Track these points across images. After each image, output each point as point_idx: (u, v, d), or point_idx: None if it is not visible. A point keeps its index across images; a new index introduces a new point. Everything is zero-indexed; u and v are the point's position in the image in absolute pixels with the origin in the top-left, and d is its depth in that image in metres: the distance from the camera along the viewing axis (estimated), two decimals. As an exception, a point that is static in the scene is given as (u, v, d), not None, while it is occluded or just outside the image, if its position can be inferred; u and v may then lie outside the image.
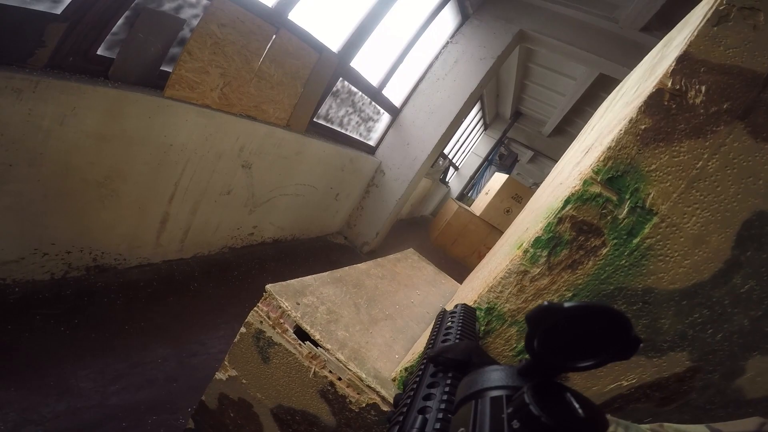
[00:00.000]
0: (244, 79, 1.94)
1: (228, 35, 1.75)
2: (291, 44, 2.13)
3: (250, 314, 0.86)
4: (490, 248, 5.00)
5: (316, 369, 0.78)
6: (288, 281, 0.92)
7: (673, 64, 0.57)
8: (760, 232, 0.54)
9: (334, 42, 2.53)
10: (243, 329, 0.87)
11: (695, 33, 0.58)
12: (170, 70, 1.63)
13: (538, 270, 0.61)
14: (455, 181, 9.31)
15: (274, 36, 1.99)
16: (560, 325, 0.25)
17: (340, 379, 0.77)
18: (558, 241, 0.59)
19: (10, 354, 1.23)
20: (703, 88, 0.56)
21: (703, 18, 0.59)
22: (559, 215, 0.59)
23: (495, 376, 0.30)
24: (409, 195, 3.70)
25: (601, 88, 4.46)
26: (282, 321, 0.83)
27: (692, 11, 0.80)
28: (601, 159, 0.58)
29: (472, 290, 0.86)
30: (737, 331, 0.56)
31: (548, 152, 7.87)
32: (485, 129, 8.79)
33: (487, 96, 6.69)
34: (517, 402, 0.25)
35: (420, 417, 0.32)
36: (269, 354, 0.84)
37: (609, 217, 0.57)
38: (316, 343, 0.80)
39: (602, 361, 0.25)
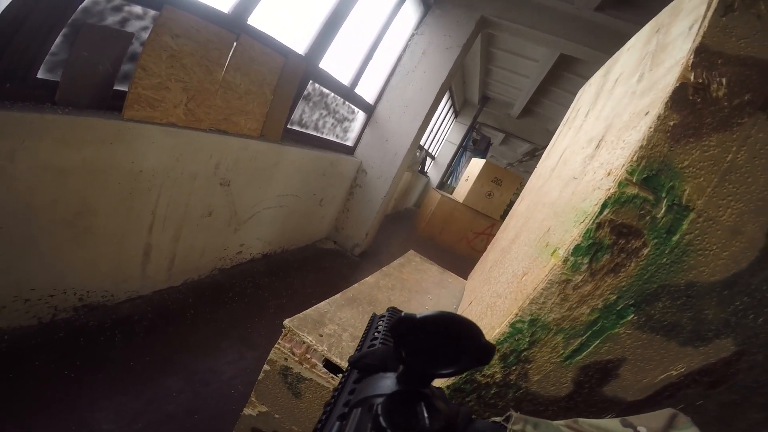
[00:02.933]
0: (208, 91, 1.82)
1: (184, 46, 1.63)
2: (254, 50, 2.02)
3: (273, 351, 0.82)
4: (478, 233, 5.06)
5: (352, 401, 0.74)
6: (304, 312, 0.87)
7: (692, 57, 0.57)
8: (791, 217, 0.55)
9: (299, 44, 2.44)
10: (267, 367, 0.83)
11: (705, 24, 0.57)
12: (126, 89, 1.50)
13: (581, 277, 0.60)
14: (433, 171, 9.35)
15: (235, 43, 1.87)
16: (423, 335, 0.27)
17: (380, 407, 0.74)
18: (599, 247, 0.58)
19: (20, 402, 1.17)
20: (724, 81, 0.56)
21: (708, 8, 0.58)
22: (597, 220, 0.58)
23: (381, 384, 0.31)
24: (393, 191, 3.66)
25: (563, 68, 4.56)
26: (309, 356, 0.78)
27: None
28: (634, 159, 0.57)
29: (498, 296, 0.84)
30: (777, 314, 0.57)
31: (519, 133, 8.04)
32: (456, 116, 8.84)
33: (454, 84, 6.71)
34: (374, 413, 0.26)
35: (338, 423, 0.31)
36: (300, 389, 0.80)
37: (648, 218, 0.57)
38: (349, 376, 0.76)
39: (462, 367, 0.28)
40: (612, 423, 0.34)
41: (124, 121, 1.46)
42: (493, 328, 0.70)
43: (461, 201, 5.37)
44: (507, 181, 5.27)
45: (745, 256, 0.57)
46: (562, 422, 0.35)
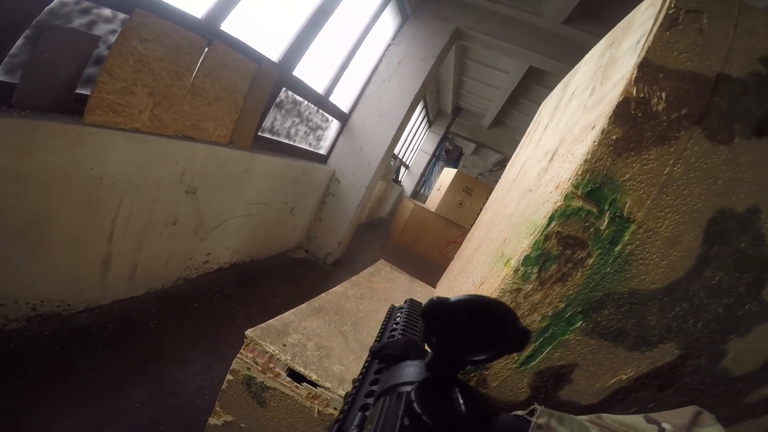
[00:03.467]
0: (176, 97, 1.78)
1: (153, 51, 1.59)
2: (226, 56, 1.99)
3: (235, 361, 0.80)
4: (450, 242, 5.13)
5: (320, 408, 0.75)
6: (267, 322, 0.86)
7: (636, 72, 0.60)
8: (723, 228, 0.59)
9: (273, 51, 2.42)
10: (230, 376, 0.81)
11: (650, 38, 0.60)
12: (88, 93, 1.45)
13: (531, 286, 0.62)
14: (407, 180, 9.43)
15: (207, 48, 1.84)
16: (455, 320, 0.26)
17: (345, 415, 0.74)
18: (547, 257, 0.61)
19: None
20: (664, 95, 0.59)
21: (654, 22, 0.61)
22: (545, 232, 0.60)
23: (407, 372, 0.31)
24: (367, 200, 3.66)
25: (532, 80, 4.73)
26: (272, 365, 0.77)
27: (634, 11, 0.83)
28: (579, 172, 0.60)
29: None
30: (714, 319, 0.61)
31: (490, 143, 8.26)
32: (429, 126, 9.00)
33: (428, 94, 6.84)
34: (407, 399, 0.25)
35: (360, 414, 0.31)
36: (265, 398, 0.79)
37: (592, 229, 0.60)
38: (314, 383, 0.76)
39: (496, 354, 0.27)
40: (636, 419, 0.34)
41: (85, 125, 1.41)
42: (452, 336, 0.71)
43: (433, 210, 5.45)
44: (477, 191, 5.40)
45: (683, 264, 0.60)
46: (585, 417, 0.35)
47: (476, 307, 0.26)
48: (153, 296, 2.02)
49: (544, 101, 1.66)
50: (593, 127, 0.65)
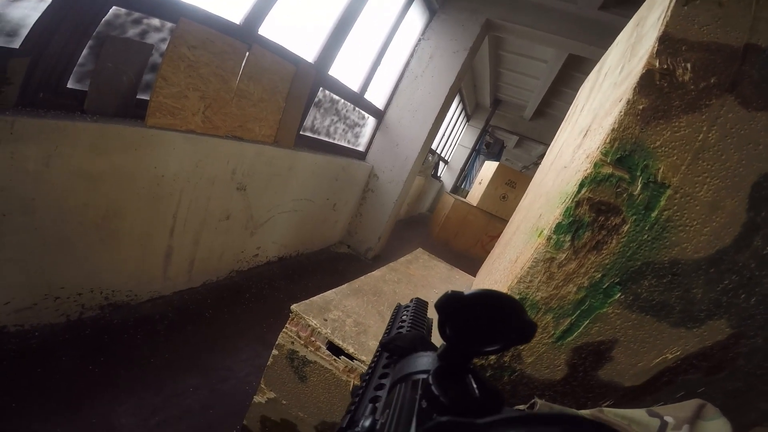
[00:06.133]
0: (224, 99, 1.90)
1: (201, 57, 1.70)
2: (266, 60, 2.09)
3: (281, 336, 0.87)
4: (493, 237, 5.01)
5: (355, 382, 0.79)
6: (311, 299, 0.92)
7: (656, 45, 0.60)
8: (769, 192, 0.56)
9: (309, 53, 2.52)
10: (275, 351, 0.88)
11: (669, 13, 0.60)
12: (148, 98, 1.58)
13: (564, 255, 0.63)
14: (447, 175, 9.34)
15: (248, 53, 1.95)
16: (468, 313, 0.28)
17: (380, 387, 0.78)
18: (579, 224, 0.61)
19: (46, 396, 1.24)
20: (689, 66, 0.58)
21: None
22: (576, 199, 0.61)
23: (420, 362, 0.33)
24: (405, 195, 3.70)
25: (573, 68, 4.52)
26: (313, 339, 0.83)
27: None
28: (607, 141, 0.60)
29: (495, 283, 0.88)
30: (770, 294, 0.56)
31: (533, 135, 7.95)
32: (468, 120, 8.84)
33: (465, 88, 6.73)
34: (424, 384, 0.27)
35: (370, 406, 0.32)
36: (305, 372, 0.85)
37: (625, 195, 0.59)
38: (351, 357, 0.81)
39: (505, 345, 0.29)
40: (638, 413, 0.35)
41: (147, 128, 1.54)
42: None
43: (475, 204, 5.34)
44: (521, 184, 5.22)
45: (728, 231, 0.58)
46: (587, 411, 0.35)
47: (488, 300, 0.28)
48: (209, 288, 2.18)
49: (582, 86, 1.62)
50: (620, 100, 0.65)
